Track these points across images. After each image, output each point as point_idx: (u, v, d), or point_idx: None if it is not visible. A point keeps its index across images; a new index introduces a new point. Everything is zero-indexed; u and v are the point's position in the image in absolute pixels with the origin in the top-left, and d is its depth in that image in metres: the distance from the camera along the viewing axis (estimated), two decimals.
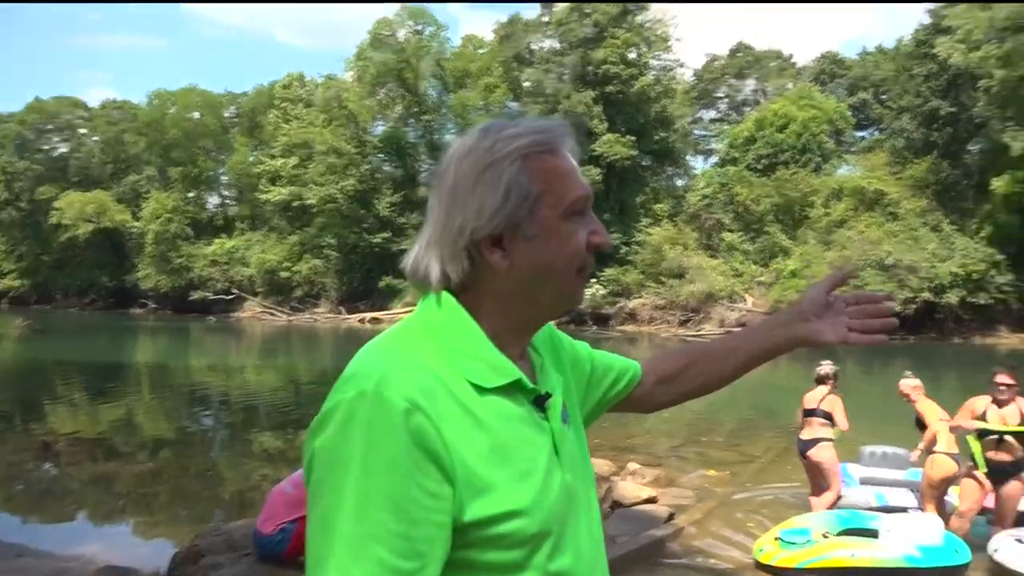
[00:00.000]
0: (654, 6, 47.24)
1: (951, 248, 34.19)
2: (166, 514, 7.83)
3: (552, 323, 1.25)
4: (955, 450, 6.11)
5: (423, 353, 0.93)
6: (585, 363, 1.28)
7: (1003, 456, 5.84)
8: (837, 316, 1.19)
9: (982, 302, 33.04)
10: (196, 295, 53.03)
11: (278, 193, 50.75)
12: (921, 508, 6.32)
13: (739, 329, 1.37)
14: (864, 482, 7.19)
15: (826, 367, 6.86)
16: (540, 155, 0.98)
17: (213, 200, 61.32)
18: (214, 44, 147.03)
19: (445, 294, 1.00)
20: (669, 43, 47.48)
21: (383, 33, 51.15)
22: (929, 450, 6.25)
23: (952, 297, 32.97)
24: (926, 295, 33.04)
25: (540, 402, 1.02)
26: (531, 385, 1.00)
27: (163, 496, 8.44)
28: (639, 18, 46.95)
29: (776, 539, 5.55)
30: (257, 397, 16.47)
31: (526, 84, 48.80)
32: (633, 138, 43.02)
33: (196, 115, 58.84)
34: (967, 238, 35.11)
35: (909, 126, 41.00)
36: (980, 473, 5.89)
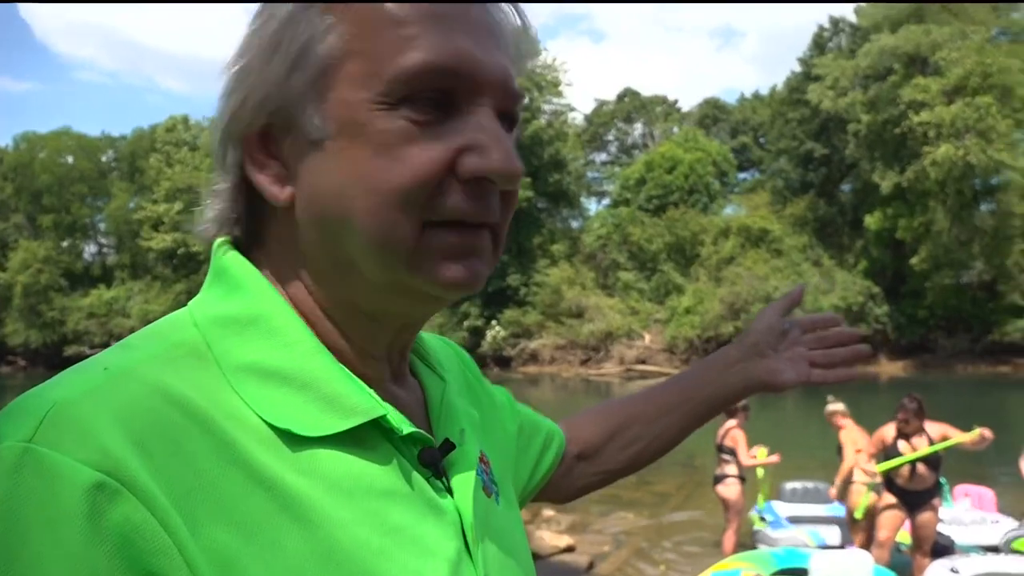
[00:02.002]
0: (545, 53, 48.54)
1: (832, 282, 36.03)
2: None
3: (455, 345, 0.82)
4: (872, 480, 6.07)
5: (168, 366, 0.49)
6: (507, 417, 0.81)
7: (917, 484, 5.84)
8: (794, 348, 0.92)
9: (863, 332, 34.80)
10: (71, 350, 49.61)
11: (161, 240, 48.51)
12: (851, 541, 6.26)
13: (676, 373, 1.00)
14: (792, 520, 7.08)
15: None
16: None
17: (90, 249, 57.99)
18: (89, 88, 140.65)
19: (224, 248, 0.56)
20: (560, 87, 48.74)
21: None
22: (848, 481, 6.20)
23: None
24: None
25: (432, 458, 0.56)
26: (410, 427, 0.54)
27: None
28: (530, 64, 48.02)
29: None
30: None
31: None
32: (529, 180, 43.62)
33: (69, 159, 55.77)
34: (845, 272, 37.15)
35: (787, 167, 43.36)
36: (895, 502, 5.87)
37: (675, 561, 6.72)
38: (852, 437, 6.35)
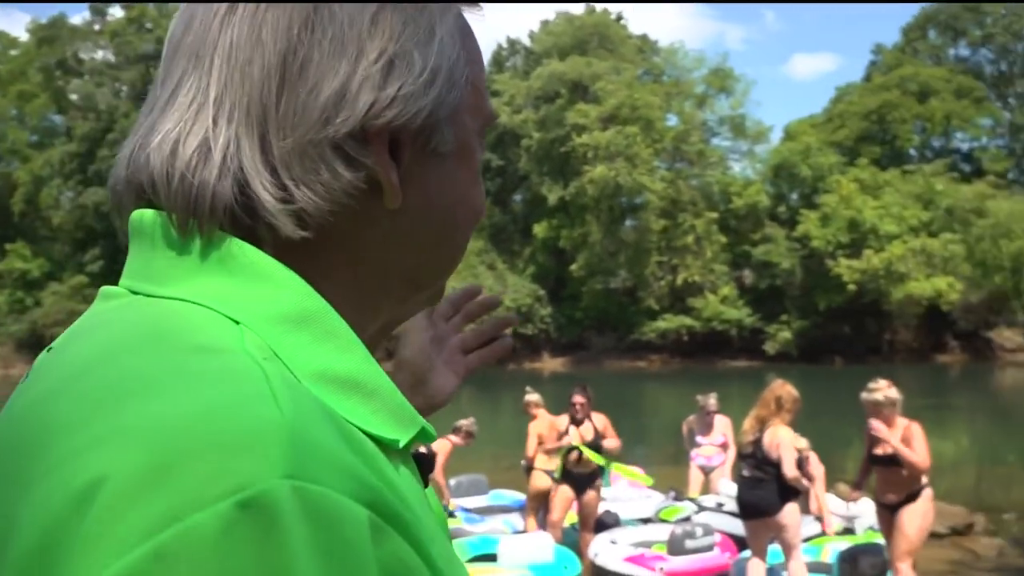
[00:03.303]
0: None
1: (504, 284, 38.64)
2: None
3: None
4: (554, 466, 6.53)
5: (281, 373, 0.41)
6: None
7: (583, 468, 6.42)
8: (443, 344, 0.81)
9: (530, 332, 37.96)
10: None
11: None
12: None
13: None
14: (478, 512, 7.33)
15: (462, 421, 6.87)
16: (467, 17, 0.54)
17: None
18: None
19: (248, 249, 0.45)
20: None
21: None
22: (530, 467, 6.61)
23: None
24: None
25: (428, 467, 0.54)
26: (433, 432, 0.51)
27: None
28: None
29: None
30: None
31: (73, 96, 43.17)
32: None
33: None
34: (516, 275, 40.10)
35: None
36: (567, 486, 6.40)
37: None
38: (539, 427, 6.76)
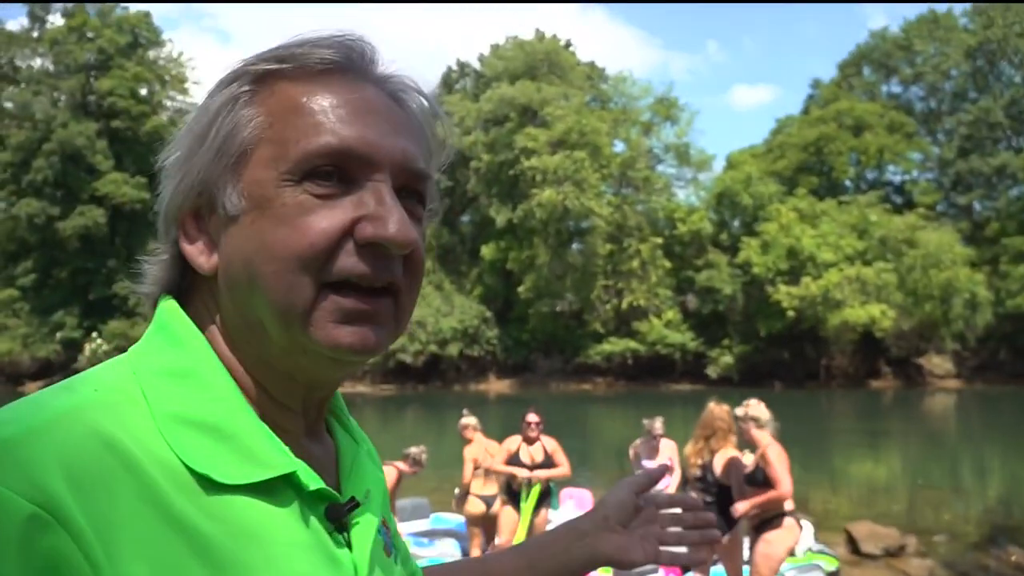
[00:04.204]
0: (168, 45, 45.18)
1: (451, 305, 38.61)
2: None
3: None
4: (489, 491, 6.54)
5: (106, 411, 0.53)
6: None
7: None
8: (647, 526, 0.92)
9: (476, 353, 37.97)
10: None
11: None
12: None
13: (525, 540, 1.01)
14: (424, 535, 7.28)
15: (412, 449, 6.82)
16: (276, 82, 0.61)
17: None
18: None
19: (170, 307, 0.62)
20: (186, 85, 45.40)
21: None
22: (466, 493, 6.61)
23: (453, 349, 37.31)
24: (432, 348, 36.74)
25: (337, 513, 0.61)
26: (317, 484, 0.59)
27: None
28: (151, 53, 44.24)
29: None
30: None
31: (8, 104, 41.87)
32: (145, 180, 39.82)
33: None
34: (463, 296, 40.10)
35: None
36: (511, 508, 6.41)
37: None
38: (474, 452, 6.72)
